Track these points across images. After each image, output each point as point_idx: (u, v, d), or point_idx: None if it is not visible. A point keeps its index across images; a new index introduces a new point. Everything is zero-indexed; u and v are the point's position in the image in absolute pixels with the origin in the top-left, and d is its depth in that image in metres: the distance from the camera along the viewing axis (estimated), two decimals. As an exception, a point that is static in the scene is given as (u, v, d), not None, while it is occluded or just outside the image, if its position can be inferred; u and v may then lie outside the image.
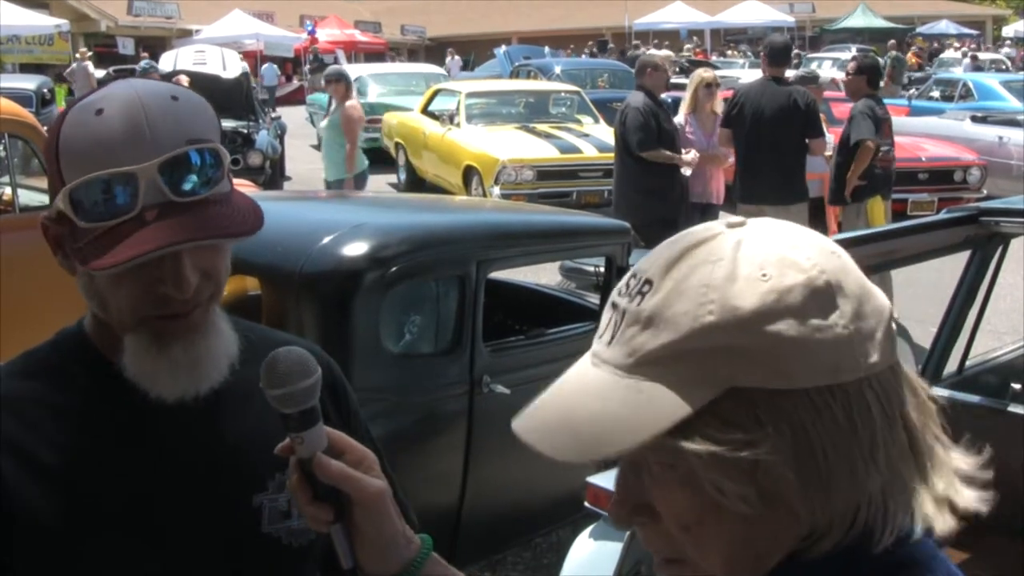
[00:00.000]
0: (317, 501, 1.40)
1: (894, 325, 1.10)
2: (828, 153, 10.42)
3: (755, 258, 1.05)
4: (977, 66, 31.68)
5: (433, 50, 52.52)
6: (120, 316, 1.55)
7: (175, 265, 1.50)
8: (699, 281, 1.05)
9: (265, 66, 39.29)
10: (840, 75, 23.52)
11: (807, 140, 9.54)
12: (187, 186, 1.48)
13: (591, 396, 1.08)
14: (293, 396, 1.38)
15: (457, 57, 44.21)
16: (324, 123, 12.52)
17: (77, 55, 31.01)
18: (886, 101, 10.36)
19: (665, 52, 28.43)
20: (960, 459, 1.12)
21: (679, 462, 1.05)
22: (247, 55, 31.78)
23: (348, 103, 11.60)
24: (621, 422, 1.05)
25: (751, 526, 1.07)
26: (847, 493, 1.05)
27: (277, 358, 1.39)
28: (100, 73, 32.82)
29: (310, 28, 43.97)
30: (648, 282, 1.08)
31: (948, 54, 37.48)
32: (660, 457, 1.07)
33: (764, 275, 1.04)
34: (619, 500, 1.14)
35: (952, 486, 1.09)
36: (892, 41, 35.30)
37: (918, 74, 31.68)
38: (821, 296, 1.04)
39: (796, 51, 30.74)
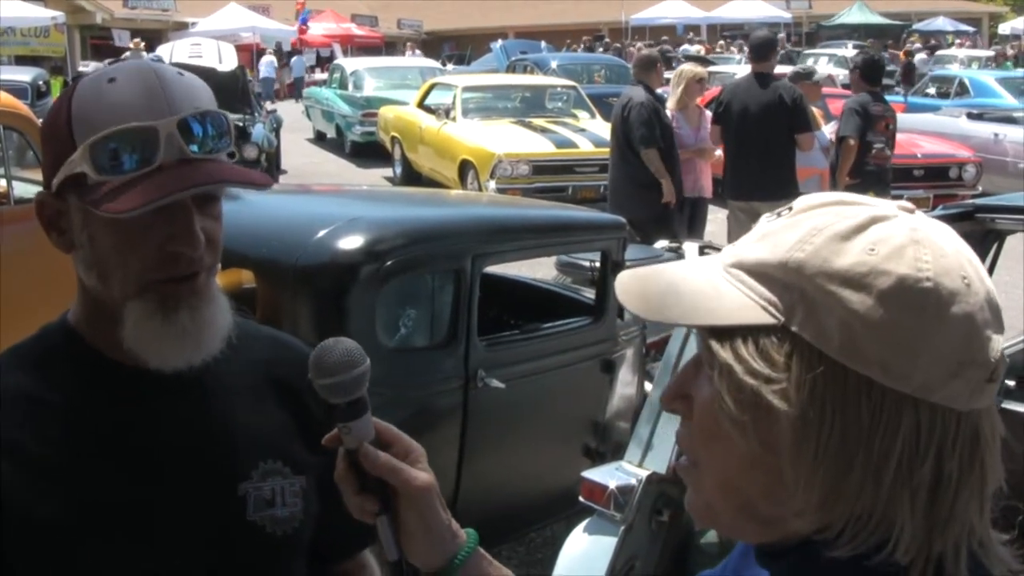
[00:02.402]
0: (363, 492, 1.40)
1: (989, 386, 1.07)
2: (825, 146, 10.43)
3: (880, 235, 1.05)
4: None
5: (430, 44, 52.46)
6: (124, 283, 1.55)
7: (186, 220, 1.53)
8: (817, 223, 1.08)
9: (265, 59, 39.33)
10: (836, 71, 23.62)
11: (795, 135, 9.54)
12: (203, 144, 1.54)
13: (693, 270, 1.15)
14: (341, 386, 1.38)
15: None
16: None
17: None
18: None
19: (696, 47, 28.22)
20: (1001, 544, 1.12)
21: (712, 363, 1.09)
22: (243, 48, 31.81)
23: None
24: (689, 299, 1.11)
25: (747, 468, 1.09)
26: (836, 489, 1.04)
27: (326, 348, 1.40)
28: (96, 66, 32.80)
29: (303, 18, 43.90)
30: (791, 209, 1.12)
31: (943, 52, 37.44)
32: (702, 351, 1.12)
33: (872, 250, 1.04)
34: (672, 385, 1.18)
35: (960, 550, 1.07)
36: (870, 41, 35.43)
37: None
38: (911, 298, 1.03)
39: (783, 47, 30.76)
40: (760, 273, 1.08)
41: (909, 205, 1.11)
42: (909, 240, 1.05)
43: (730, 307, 1.08)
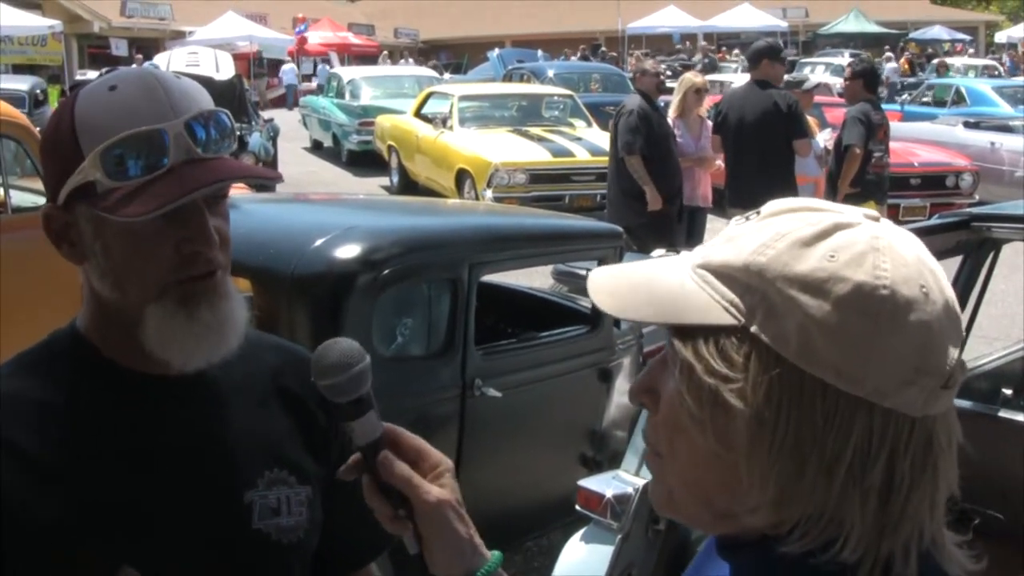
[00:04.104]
0: (380, 494, 1.42)
1: (944, 393, 1.08)
2: (819, 154, 10.44)
3: (841, 242, 1.08)
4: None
5: (426, 53, 52.49)
6: (143, 288, 1.56)
7: (200, 220, 1.55)
8: (780, 229, 1.10)
9: (286, 67, 39.49)
10: (832, 80, 23.64)
11: (792, 141, 9.54)
12: (208, 144, 1.55)
13: (662, 269, 1.18)
14: (340, 386, 1.41)
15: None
16: None
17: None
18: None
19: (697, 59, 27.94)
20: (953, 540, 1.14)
21: (675, 360, 1.13)
22: (240, 57, 31.80)
23: None
24: (656, 298, 1.15)
25: (706, 463, 1.12)
26: (789, 488, 1.06)
27: (325, 349, 1.42)
28: (93, 74, 32.74)
29: (299, 30, 43.91)
30: (759, 213, 1.15)
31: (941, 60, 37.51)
32: (667, 348, 1.16)
33: (832, 256, 1.06)
34: (640, 379, 1.21)
35: (910, 551, 1.08)
36: (862, 54, 35.51)
37: (911, 79, 31.76)
38: (867, 305, 1.05)
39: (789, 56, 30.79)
40: (724, 275, 1.11)
41: (874, 213, 1.13)
42: (870, 248, 1.07)
43: (694, 307, 1.11)
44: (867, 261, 1.06)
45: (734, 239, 1.13)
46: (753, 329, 1.08)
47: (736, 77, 23.99)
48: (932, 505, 1.09)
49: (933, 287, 1.08)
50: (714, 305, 1.10)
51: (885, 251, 1.07)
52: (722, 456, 1.10)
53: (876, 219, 1.12)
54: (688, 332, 1.11)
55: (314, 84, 37.39)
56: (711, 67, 29.35)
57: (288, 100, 37.83)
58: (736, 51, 40.93)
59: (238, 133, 1.69)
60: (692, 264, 1.15)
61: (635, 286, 1.18)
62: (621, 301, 1.18)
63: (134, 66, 21.75)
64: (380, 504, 1.43)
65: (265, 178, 1.67)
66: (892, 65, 34.14)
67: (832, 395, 1.05)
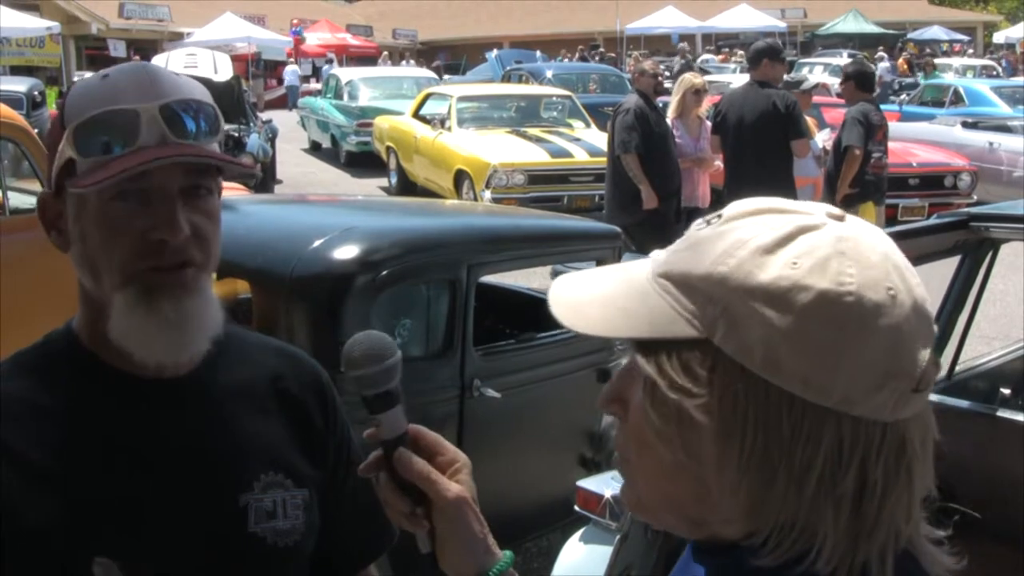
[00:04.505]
0: (398, 490, 1.42)
1: (915, 396, 1.06)
2: (817, 154, 10.44)
3: (804, 247, 1.04)
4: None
5: (425, 54, 52.48)
6: (111, 274, 1.56)
7: (169, 208, 1.54)
8: (741, 236, 1.07)
9: (289, 67, 39.46)
10: (831, 80, 23.65)
11: (790, 141, 9.55)
12: (188, 133, 1.55)
13: (622, 279, 1.15)
14: (369, 378, 1.40)
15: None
16: None
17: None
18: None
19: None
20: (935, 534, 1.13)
21: (639, 375, 1.10)
22: (238, 58, 31.77)
23: None
24: (615, 310, 1.11)
25: (674, 475, 1.10)
26: (760, 499, 1.04)
27: (355, 341, 1.42)
28: (91, 75, 32.64)
29: (295, 31, 43.87)
30: (721, 216, 1.11)
31: (939, 60, 37.53)
32: (631, 361, 1.12)
33: (795, 263, 1.03)
34: (609, 388, 1.18)
35: (886, 558, 1.06)
36: (859, 54, 35.50)
37: (909, 80, 31.76)
38: (832, 313, 1.02)
39: (788, 56, 30.73)
40: (685, 284, 1.08)
41: (838, 211, 1.10)
42: (834, 252, 1.04)
43: (655, 320, 1.08)
44: (831, 267, 1.03)
45: (695, 246, 1.10)
46: (716, 341, 1.05)
47: (734, 78, 23.95)
48: (908, 508, 1.07)
49: (900, 288, 1.05)
50: (676, 317, 1.07)
51: (850, 254, 1.04)
52: (691, 469, 1.08)
53: (841, 218, 1.09)
54: (651, 346, 1.09)
55: (320, 85, 37.42)
56: (687, 69, 29.27)
57: (290, 101, 37.79)
58: (740, 52, 40.98)
59: (236, 135, 1.69)
60: (654, 273, 1.12)
61: (595, 298, 1.14)
62: (580, 316, 1.14)
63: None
64: (397, 500, 1.42)
65: (236, 167, 1.65)
66: (885, 64, 34.06)
67: (799, 406, 1.02)
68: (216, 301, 1.64)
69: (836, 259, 1.03)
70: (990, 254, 4.82)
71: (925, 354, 1.06)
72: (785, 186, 9.41)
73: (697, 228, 1.12)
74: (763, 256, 1.04)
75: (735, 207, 1.11)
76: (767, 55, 9.87)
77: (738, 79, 20.56)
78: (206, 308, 1.61)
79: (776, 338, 1.02)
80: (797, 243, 1.05)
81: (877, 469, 1.04)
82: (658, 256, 1.14)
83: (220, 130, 1.61)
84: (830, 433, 1.02)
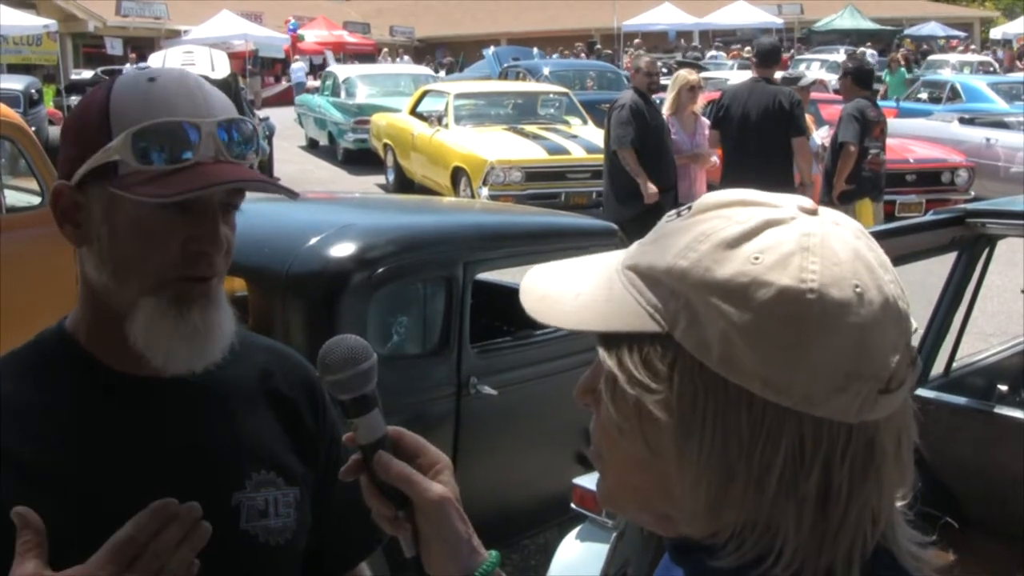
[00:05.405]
0: (381, 496, 1.41)
1: (885, 398, 1.03)
2: (816, 151, 10.45)
3: (769, 242, 1.02)
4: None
5: (422, 51, 52.46)
6: (142, 278, 1.57)
7: (213, 221, 1.57)
8: (705, 229, 1.05)
9: (295, 65, 39.40)
10: (828, 76, 23.65)
11: (790, 139, 9.56)
12: (237, 147, 1.59)
13: (590, 271, 1.14)
14: (344, 383, 1.40)
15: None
16: None
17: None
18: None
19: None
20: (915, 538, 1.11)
21: (602, 367, 1.09)
22: (235, 56, 31.76)
23: None
24: (580, 302, 1.11)
25: (639, 469, 1.09)
26: (720, 497, 1.03)
27: (330, 346, 1.42)
28: (88, 73, 32.78)
29: (293, 27, 43.82)
30: (691, 208, 1.09)
31: (936, 56, 37.51)
32: (598, 353, 1.11)
33: (757, 258, 1.01)
34: (584, 379, 1.17)
35: (852, 562, 1.04)
36: (868, 45, 35.52)
37: (907, 76, 31.75)
38: (792, 310, 0.99)
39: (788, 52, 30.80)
40: (650, 277, 1.06)
41: (810, 205, 1.06)
42: (798, 247, 1.01)
43: (618, 313, 1.07)
44: (793, 263, 1.00)
45: (661, 238, 1.08)
46: (677, 337, 1.03)
47: (732, 75, 23.94)
48: (877, 512, 1.05)
49: (869, 286, 1.01)
50: (639, 311, 1.06)
51: (815, 250, 1.01)
52: (654, 463, 1.07)
53: (813, 212, 1.05)
54: (612, 340, 1.07)
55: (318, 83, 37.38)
56: (692, 65, 29.30)
57: (296, 97, 37.81)
58: (747, 48, 41.04)
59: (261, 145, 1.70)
60: (622, 264, 1.11)
61: (563, 290, 1.13)
62: (548, 308, 1.13)
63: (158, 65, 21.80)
64: (379, 505, 1.41)
65: (290, 193, 1.68)
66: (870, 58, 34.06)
67: (759, 404, 1.00)
68: (231, 310, 1.67)
69: (800, 255, 1.00)
70: (987, 250, 4.82)
71: (894, 355, 1.02)
72: (785, 182, 9.44)
73: (667, 220, 1.10)
74: (725, 250, 1.02)
75: (705, 199, 1.09)
76: (775, 52, 9.91)
77: (735, 75, 20.59)
78: (226, 318, 1.64)
79: (734, 335, 1.00)
80: (761, 238, 1.02)
81: (842, 471, 1.01)
82: (630, 248, 1.13)
83: (256, 143, 1.64)
84: (790, 433, 1.00)
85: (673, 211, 1.11)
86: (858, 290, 1.00)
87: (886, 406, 1.03)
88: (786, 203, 1.07)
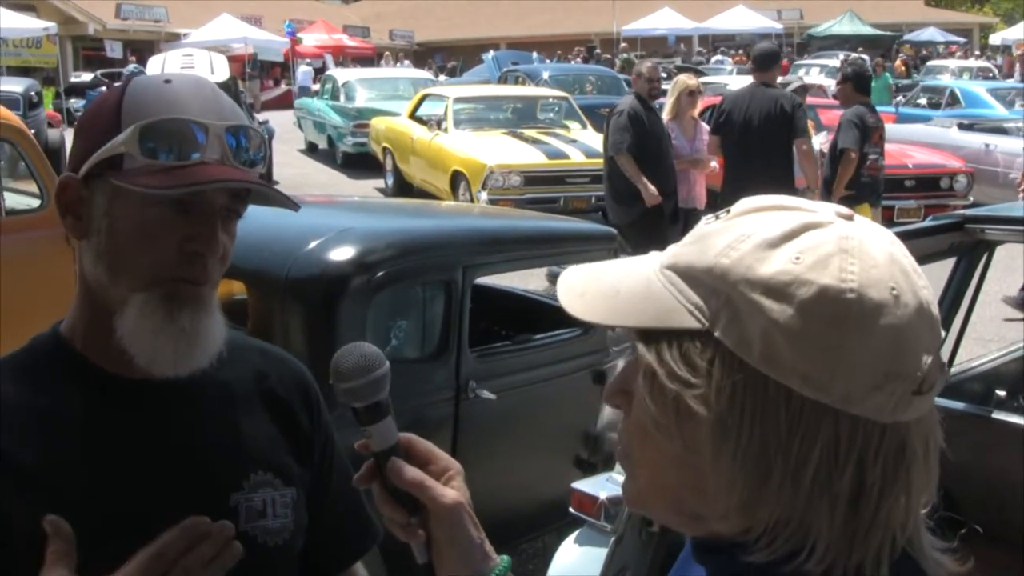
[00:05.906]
0: (392, 501, 1.42)
1: (917, 399, 1.05)
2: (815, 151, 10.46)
3: (809, 243, 1.04)
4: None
5: (421, 55, 52.50)
6: (135, 274, 1.57)
7: (211, 223, 1.58)
8: (746, 230, 1.07)
9: (301, 68, 39.39)
10: (827, 82, 23.65)
11: (794, 140, 9.57)
12: (244, 154, 1.60)
13: (630, 270, 1.16)
14: (358, 391, 1.40)
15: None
16: None
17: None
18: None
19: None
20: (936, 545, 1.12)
21: (640, 364, 1.10)
22: (235, 59, 31.76)
23: None
24: (621, 300, 1.12)
25: (673, 467, 1.10)
26: (755, 494, 1.04)
27: (343, 353, 1.42)
28: (88, 76, 32.76)
29: (290, 30, 43.80)
30: (729, 211, 1.12)
31: (935, 61, 37.53)
32: (633, 351, 1.13)
33: (798, 258, 1.03)
34: (614, 380, 1.19)
35: (882, 561, 1.06)
36: (860, 48, 35.47)
37: (906, 81, 31.78)
38: (832, 309, 1.01)
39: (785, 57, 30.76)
40: (689, 276, 1.09)
41: (847, 211, 1.10)
42: (838, 249, 1.04)
43: (658, 310, 1.09)
44: (833, 263, 1.03)
45: (701, 239, 1.10)
46: (717, 333, 1.05)
47: (731, 79, 23.95)
48: (905, 513, 1.07)
49: (905, 289, 1.04)
50: (679, 308, 1.08)
51: (854, 252, 1.04)
52: (689, 460, 1.08)
53: (850, 218, 1.08)
54: (652, 336, 1.09)
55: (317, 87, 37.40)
56: (693, 70, 29.37)
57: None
58: (733, 51, 41.06)
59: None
60: (660, 264, 1.13)
61: (603, 288, 1.15)
62: (588, 304, 1.15)
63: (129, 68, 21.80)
64: (392, 511, 1.42)
65: (292, 204, 1.69)
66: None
67: (797, 401, 1.02)
68: (222, 318, 1.67)
69: (839, 256, 1.03)
70: (986, 256, 4.82)
71: (927, 357, 1.05)
72: (787, 187, 9.43)
73: (706, 222, 1.13)
74: (766, 250, 1.05)
75: (743, 203, 1.12)
76: (772, 56, 9.91)
77: (734, 80, 20.59)
78: (216, 325, 1.64)
79: (775, 332, 1.02)
80: (801, 239, 1.05)
81: (875, 470, 1.03)
82: (667, 250, 1.15)
83: (266, 154, 1.67)
84: (827, 430, 1.02)
85: (711, 215, 1.14)
86: (894, 292, 1.03)
87: (918, 407, 1.06)
88: (823, 208, 1.10)
